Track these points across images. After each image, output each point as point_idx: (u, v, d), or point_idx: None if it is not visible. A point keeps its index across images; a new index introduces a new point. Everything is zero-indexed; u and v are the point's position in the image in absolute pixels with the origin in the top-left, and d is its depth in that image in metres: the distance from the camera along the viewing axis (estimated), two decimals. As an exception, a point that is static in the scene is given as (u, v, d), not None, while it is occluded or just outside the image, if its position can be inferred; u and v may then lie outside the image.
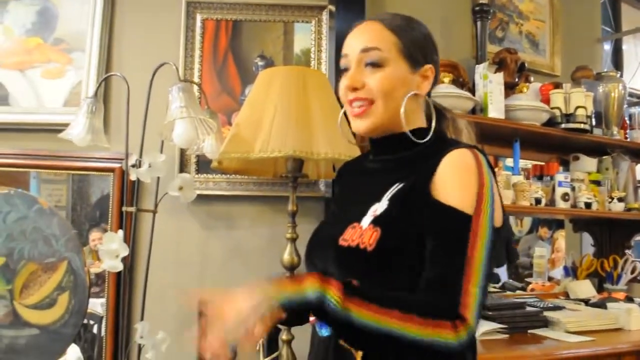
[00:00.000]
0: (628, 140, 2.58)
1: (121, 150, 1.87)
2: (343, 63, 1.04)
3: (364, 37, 1.02)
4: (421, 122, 1.06)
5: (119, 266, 1.65)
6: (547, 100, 2.34)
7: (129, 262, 1.73)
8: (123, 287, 1.89)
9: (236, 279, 2.14)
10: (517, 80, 2.35)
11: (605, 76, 2.57)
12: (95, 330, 2.09)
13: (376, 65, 0.99)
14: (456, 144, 0.98)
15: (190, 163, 2.12)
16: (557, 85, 2.38)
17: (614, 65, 3.46)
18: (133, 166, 1.70)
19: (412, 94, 1.00)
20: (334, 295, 0.81)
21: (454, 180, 0.91)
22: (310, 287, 0.82)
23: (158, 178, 1.79)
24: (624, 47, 3.56)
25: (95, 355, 2.06)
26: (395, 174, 1.00)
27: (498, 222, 0.92)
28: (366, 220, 0.94)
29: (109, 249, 1.65)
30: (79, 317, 2.00)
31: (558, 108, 2.29)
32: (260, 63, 2.20)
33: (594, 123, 2.41)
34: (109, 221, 2.06)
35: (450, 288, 0.84)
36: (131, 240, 1.74)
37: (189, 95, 1.62)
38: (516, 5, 2.78)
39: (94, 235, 2.10)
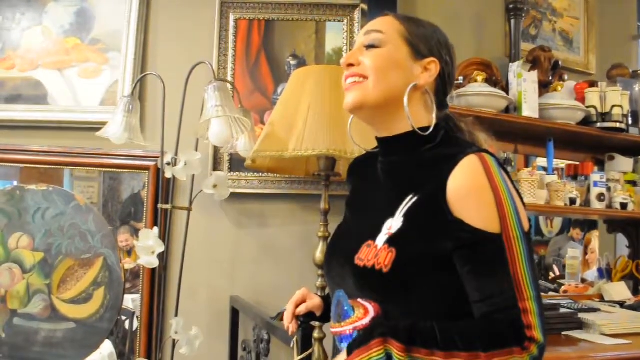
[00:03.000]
0: (665, 139, 2.52)
1: (156, 148, 1.90)
2: None
3: (371, 23, 1.03)
4: (424, 120, 1.00)
5: (155, 262, 1.68)
6: (582, 99, 2.30)
7: (164, 258, 1.75)
8: (158, 283, 1.92)
9: (268, 276, 2.16)
10: (551, 78, 2.32)
11: (642, 74, 2.52)
12: (127, 325, 2.13)
13: (374, 46, 0.99)
14: (463, 148, 0.93)
15: (224, 161, 2.15)
16: (592, 84, 2.33)
17: (650, 63, 3.38)
18: (168, 164, 1.72)
19: (413, 84, 0.98)
20: (398, 355, 0.81)
21: (471, 201, 0.87)
22: (376, 354, 0.82)
23: (193, 176, 1.81)
24: (661, 44, 3.47)
25: (127, 350, 2.10)
26: (405, 182, 0.98)
27: (526, 225, 0.89)
28: (381, 239, 0.92)
29: (145, 245, 1.67)
30: (114, 312, 2.04)
31: (593, 107, 2.25)
32: (292, 62, 2.21)
33: (630, 122, 2.36)
34: (144, 218, 2.09)
35: (508, 314, 0.82)
36: (166, 237, 1.77)
37: (225, 94, 1.64)
38: (550, 3, 2.74)
39: (122, 236, 2.14)
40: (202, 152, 1.84)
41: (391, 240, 0.91)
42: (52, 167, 2.14)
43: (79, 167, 2.15)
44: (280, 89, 2.15)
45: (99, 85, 2.19)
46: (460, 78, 2.14)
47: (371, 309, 0.93)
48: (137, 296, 2.09)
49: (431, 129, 0.99)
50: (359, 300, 0.95)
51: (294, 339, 1.43)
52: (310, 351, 1.44)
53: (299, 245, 2.16)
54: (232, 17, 2.22)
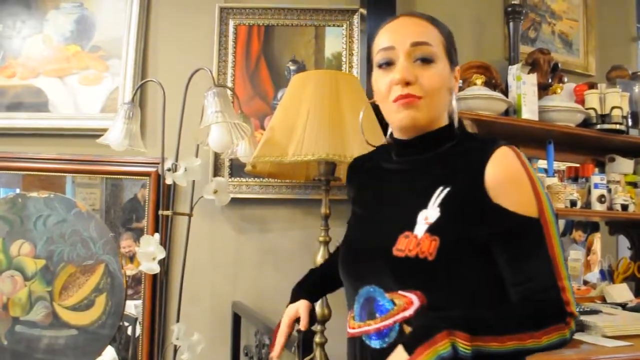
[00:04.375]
0: (666, 140, 2.51)
1: (156, 154, 1.90)
2: (385, 56, 1.00)
3: (412, 30, 0.99)
4: (445, 119, 1.05)
5: (156, 268, 1.68)
6: (581, 101, 2.30)
7: (165, 264, 1.75)
8: (160, 289, 1.92)
9: (269, 281, 2.16)
10: (550, 81, 2.32)
11: (641, 76, 2.52)
12: (129, 331, 2.13)
13: (427, 60, 0.97)
14: (487, 142, 0.96)
15: (224, 167, 2.15)
16: (592, 86, 2.34)
17: (650, 64, 3.39)
18: (169, 170, 1.73)
19: (451, 98, 1.03)
20: (463, 346, 0.82)
21: (511, 188, 0.91)
22: (443, 348, 0.82)
23: (193, 182, 1.81)
24: (661, 45, 3.48)
25: (130, 356, 2.10)
26: (431, 175, 0.99)
27: (554, 210, 0.93)
28: (420, 229, 0.93)
29: (146, 252, 1.68)
30: (115, 318, 2.04)
31: (593, 109, 2.25)
32: (292, 67, 2.22)
33: (630, 123, 2.36)
34: (145, 224, 2.10)
35: (551, 293, 0.88)
36: (167, 243, 1.77)
37: (224, 100, 1.64)
38: (548, 5, 2.75)
39: (125, 242, 2.15)
40: (202, 158, 1.85)
41: (432, 229, 0.92)
42: (54, 174, 2.15)
43: (80, 174, 2.16)
44: (280, 94, 2.16)
45: (100, 92, 2.20)
46: (460, 81, 2.14)
47: (415, 299, 0.92)
48: (139, 302, 2.10)
49: (456, 127, 1.04)
50: (400, 292, 0.94)
51: (295, 344, 1.43)
52: (311, 356, 1.45)
53: (299, 250, 2.16)
54: (231, 23, 2.22)
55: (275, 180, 2.13)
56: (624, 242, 2.73)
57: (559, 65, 2.39)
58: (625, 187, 2.39)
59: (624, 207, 2.31)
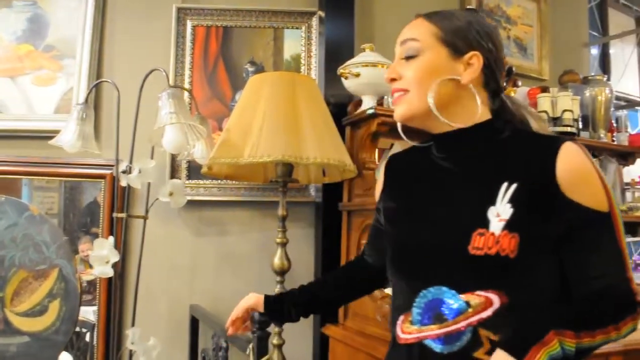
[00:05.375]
0: (615, 143, 2.59)
1: (111, 156, 1.87)
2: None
3: (405, 32, 1.02)
4: (474, 116, 1.00)
5: (110, 272, 1.65)
6: (534, 104, 2.35)
7: (120, 268, 1.73)
8: (114, 293, 1.89)
9: (227, 284, 2.15)
10: (505, 84, 2.37)
11: (592, 80, 2.59)
12: (87, 338, 2.09)
13: (411, 56, 0.99)
14: (551, 140, 0.95)
15: (182, 169, 2.13)
16: (545, 89, 2.40)
17: (601, 69, 3.50)
18: (123, 172, 1.70)
19: (444, 79, 0.97)
20: (569, 344, 0.83)
21: (583, 184, 0.91)
22: (553, 349, 0.83)
23: (149, 184, 1.79)
24: (611, 51, 3.60)
25: (88, 363, 2.06)
26: (487, 170, 0.97)
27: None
28: (496, 226, 0.90)
29: (99, 255, 1.65)
30: (70, 324, 2.00)
31: (545, 111, 2.31)
32: (250, 69, 2.21)
33: (580, 126, 2.43)
34: (100, 227, 2.06)
35: (623, 285, 0.89)
36: (122, 246, 1.74)
37: (179, 101, 1.63)
38: (504, 10, 2.82)
39: (83, 246, 2.10)
40: (159, 160, 1.83)
41: (510, 226, 0.89)
42: (7, 177, 2.09)
43: (35, 177, 2.11)
44: (238, 96, 2.15)
45: (54, 92, 2.15)
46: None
47: (496, 298, 0.89)
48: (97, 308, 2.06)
49: (479, 122, 0.99)
50: (477, 292, 0.90)
51: (250, 346, 1.43)
52: (266, 358, 1.44)
53: (258, 252, 2.16)
54: (189, 24, 2.21)
55: (234, 182, 2.12)
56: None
57: (514, 69, 2.44)
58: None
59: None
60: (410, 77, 0.98)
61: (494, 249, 0.89)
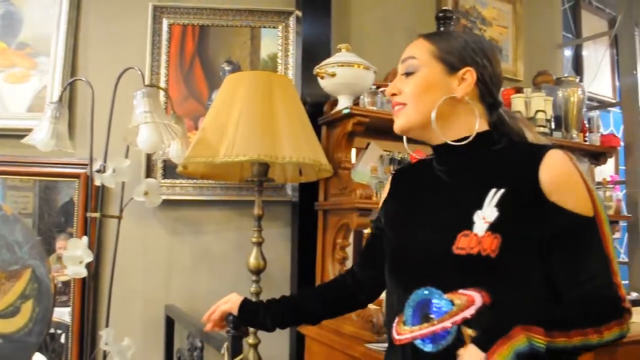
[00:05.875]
0: (587, 143, 2.65)
1: (86, 155, 1.85)
2: None
3: (407, 50, 1.10)
4: (470, 129, 1.05)
5: (83, 272, 1.64)
6: (508, 105, 2.39)
7: (94, 268, 1.71)
8: (87, 293, 1.87)
9: (203, 283, 2.15)
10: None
11: (565, 81, 2.64)
12: (62, 339, 2.06)
13: (410, 73, 1.06)
14: (536, 146, 1.01)
15: (157, 168, 2.12)
16: (519, 90, 2.44)
17: (574, 70, 3.56)
18: (98, 171, 1.69)
19: (446, 98, 1.03)
20: (539, 340, 0.84)
21: (565, 187, 0.93)
22: (519, 344, 0.84)
23: (123, 183, 1.78)
24: (584, 52, 3.66)
25: (63, 365, 2.04)
26: (480, 178, 1.01)
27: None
28: (480, 228, 0.95)
29: (73, 255, 1.63)
30: (43, 325, 1.96)
31: (519, 112, 2.34)
32: (227, 68, 2.21)
33: (553, 126, 2.47)
34: (74, 227, 2.03)
35: (609, 290, 0.90)
36: (95, 246, 1.73)
37: (154, 100, 1.62)
38: (479, 12, 2.85)
39: (61, 243, 2.08)
40: (134, 159, 1.82)
41: (493, 227, 0.94)
42: (-22, 176, 2.06)
43: (5, 176, 2.07)
44: (214, 95, 2.14)
45: (27, 90, 2.12)
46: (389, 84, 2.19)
47: (478, 297, 0.92)
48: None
49: (473, 136, 1.04)
50: (460, 291, 0.94)
51: (225, 345, 1.42)
52: (241, 357, 1.44)
53: (234, 251, 2.15)
54: (165, 23, 2.19)
55: (210, 181, 2.12)
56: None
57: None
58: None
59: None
60: (408, 92, 1.06)
61: (476, 248, 0.93)
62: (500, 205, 0.95)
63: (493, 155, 1.04)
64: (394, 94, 1.09)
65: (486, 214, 0.95)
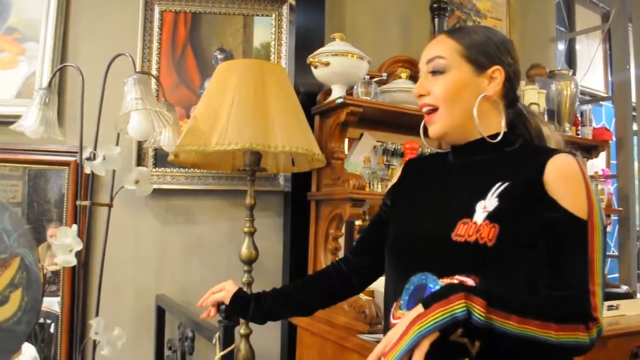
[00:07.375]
0: (579, 136, 2.65)
1: (76, 143, 1.83)
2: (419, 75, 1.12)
3: (430, 49, 1.09)
4: (498, 126, 1.07)
5: (73, 261, 1.62)
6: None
7: (84, 257, 1.69)
8: (77, 283, 1.85)
9: (195, 273, 2.13)
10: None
11: (558, 74, 2.64)
12: (52, 329, 2.05)
13: (438, 72, 1.05)
14: (551, 150, 1.02)
15: (148, 157, 2.10)
16: (513, 82, 2.43)
17: (567, 63, 3.57)
18: (87, 159, 1.66)
19: (481, 97, 1.03)
20: (479, 312, 0.83)
21: (566, 186, 0.95)
22: (458, 308, 0.84)
23: (114, 172, 1.75)
24: (577, 46, 3.67)
25: (52, 355, 2.02)
26: (489, 173, 1.03)
27: (604, 222, 0.97)
28: (479, 217, 0.97)
29: (62, 244, 1.61)
30: (32, 314, 1.95)
31: (535, 104, 2.34)
32: (219, 56, 2.18)
33: (546, 119, 2.47)
34: (64, 216, 2.01)
35: (581, 294, 0.90)
36: (85, 234, 1.71)
37: (145, 87, 1.60)
38: (474, 4, 2.84)
39: (51, 231, 2.06)
40: (125, 147, 1.80)
41: (492, 217, 0.96)
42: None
43: (-4, 164, 2.04)
44: (206, 83, 2.12)
45: (15, 76, 2.08)
46: (384, 74, 2.18)
47: (471, 282, 0.94)
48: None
49: (500, 136, 1.05)
50: (456, 277, 0.95)
51: (216, 335, 1.42)
52: (232, 347, 1.44)
53: (226, 241, 2.14)
54: (157, 9, 2.16)
55: (201, 170, 2.10)
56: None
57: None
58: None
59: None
60: (439, 94, 1.05)
61: (474, 236, 0.95)
62: (501, 196, 0.98)
63: (507, 154, 1.05)
64: (422, 95, 1.07)
65: (487, 204, 0.98)
